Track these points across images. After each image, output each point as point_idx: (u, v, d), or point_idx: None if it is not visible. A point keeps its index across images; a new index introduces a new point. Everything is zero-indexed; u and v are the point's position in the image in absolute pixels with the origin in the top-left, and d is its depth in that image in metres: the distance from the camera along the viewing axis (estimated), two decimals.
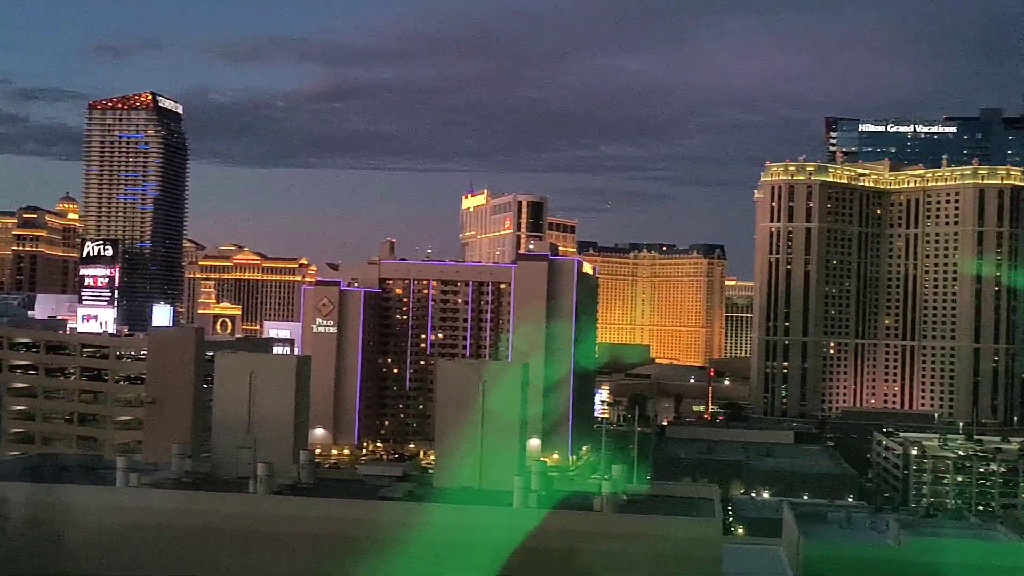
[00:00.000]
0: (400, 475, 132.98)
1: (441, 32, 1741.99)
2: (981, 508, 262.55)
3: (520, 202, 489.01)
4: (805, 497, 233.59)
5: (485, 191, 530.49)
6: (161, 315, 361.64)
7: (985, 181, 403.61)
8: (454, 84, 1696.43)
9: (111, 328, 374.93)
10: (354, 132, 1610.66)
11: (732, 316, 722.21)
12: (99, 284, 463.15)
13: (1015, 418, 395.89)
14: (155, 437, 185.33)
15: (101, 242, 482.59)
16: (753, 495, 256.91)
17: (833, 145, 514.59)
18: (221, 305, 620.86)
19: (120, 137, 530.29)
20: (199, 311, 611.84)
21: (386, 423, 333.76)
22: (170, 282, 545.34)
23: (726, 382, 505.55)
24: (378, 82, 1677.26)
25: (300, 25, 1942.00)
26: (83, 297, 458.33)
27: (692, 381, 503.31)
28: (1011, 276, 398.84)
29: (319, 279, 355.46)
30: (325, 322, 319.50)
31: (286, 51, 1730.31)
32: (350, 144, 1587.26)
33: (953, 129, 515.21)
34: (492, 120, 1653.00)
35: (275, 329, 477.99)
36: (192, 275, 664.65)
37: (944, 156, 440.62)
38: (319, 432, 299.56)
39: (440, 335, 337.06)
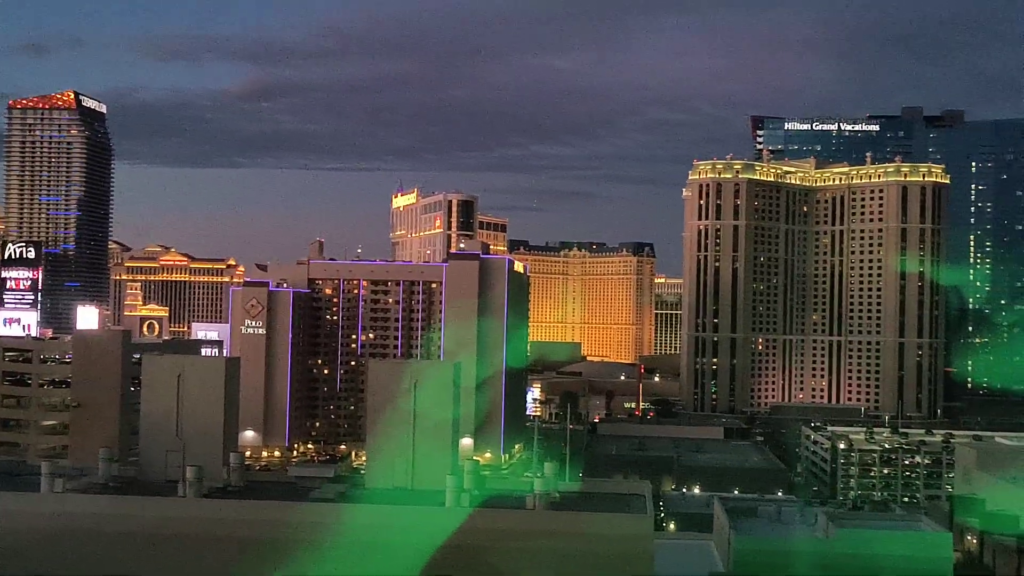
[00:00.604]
0: (332, 476, 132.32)
1: (370, 31, 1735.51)
2: (907, 500, 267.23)
3: (451, 201, 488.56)
4: (735, 492, 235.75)
5: (415, 190, 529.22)
6: (86, 317, 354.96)
7: (908, 178, 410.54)
8: (384, 83, 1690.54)
9: (34, 331, 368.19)
10: (283, 131, 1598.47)
11: (662, 313, 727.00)
12: (21, 287, 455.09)
13: (939, 411, 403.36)
14: (81, 441, 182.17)
15: (23, 244, 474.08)
16: (684, 491, 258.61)
17: (760, 143, 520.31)
18: (148, 307, 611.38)
19: (42, 137, 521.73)
20: (125, 313, 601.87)
21: (317, 424, 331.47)
22: (95, 284, 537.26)
23: (656, 379, 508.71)
24: (307, 81, 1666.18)
25: (227, 23, 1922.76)
26: (4, 300, 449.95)
27: (623, 378, 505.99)
28: (934, 271, 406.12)
29: (247, 280, 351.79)
30: (254, 323, 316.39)
31: (213, 50, 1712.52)
32: (279, 143, 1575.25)
33: (876, 127, 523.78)
34: (422, 119, 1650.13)
35: (203, 331, 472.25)
36: (118, 277, 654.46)
37: (868, 154, 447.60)
38: (249, 434, 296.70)
39: (371, 335, 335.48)
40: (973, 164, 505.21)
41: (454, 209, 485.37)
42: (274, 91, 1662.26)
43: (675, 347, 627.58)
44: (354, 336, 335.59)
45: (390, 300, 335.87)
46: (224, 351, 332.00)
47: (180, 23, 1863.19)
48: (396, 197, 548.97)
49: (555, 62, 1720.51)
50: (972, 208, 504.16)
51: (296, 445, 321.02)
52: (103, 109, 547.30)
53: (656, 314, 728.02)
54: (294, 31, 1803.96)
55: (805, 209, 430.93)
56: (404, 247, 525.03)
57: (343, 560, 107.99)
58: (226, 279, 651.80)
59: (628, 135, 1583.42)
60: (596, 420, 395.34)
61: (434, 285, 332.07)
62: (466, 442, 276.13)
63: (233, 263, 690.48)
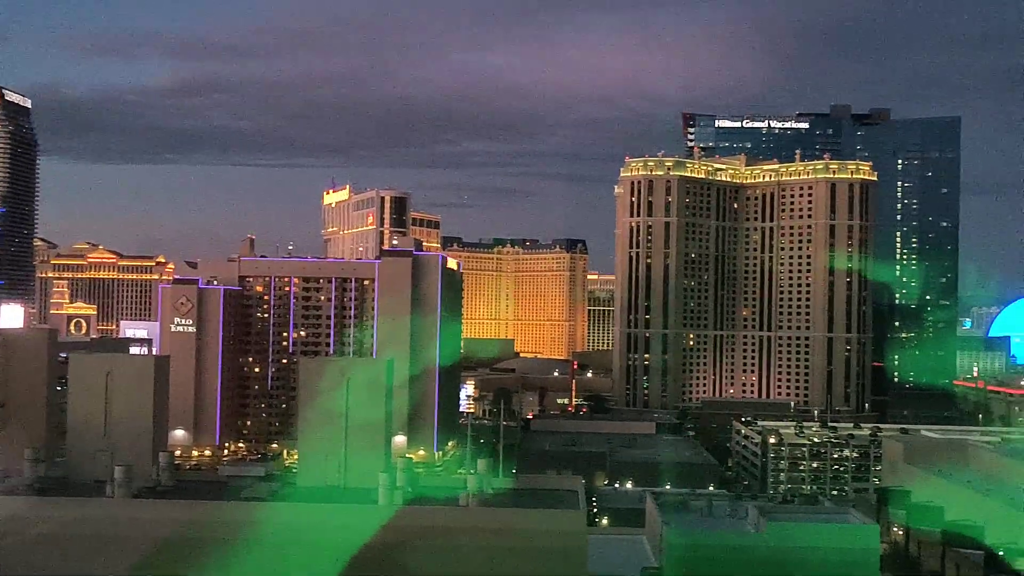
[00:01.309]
0: (263, 475, 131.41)
1: (302, 27, 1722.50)
2: (835, 493, 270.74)
3: (383, 198, 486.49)
4: (667, 487, 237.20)
5: (347, 187, 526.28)
6: (11, 316, 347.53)
7: (836, 176, 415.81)
8: (315, 79, 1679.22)
9: None
10: (213, 128, 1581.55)
11: (594, 310, 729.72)
12: None
13: (867, 405, 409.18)
14: (6, 443, 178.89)
15: None
16: (616, 486, 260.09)
17: (690, 141, 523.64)
18: (75, 305, 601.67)
19: None
20: (52, 311, 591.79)
21: (248, 423, 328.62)
22: (20, 282, 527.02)
23: (589, 375, 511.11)
24: (237, 77, 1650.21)
25: (157, 19, 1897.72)
26: None
27: (556, 374, 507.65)
28: (862, 267, 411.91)
29: (177, 277, 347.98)
30: (184, 321, 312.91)
31: (141, 45, 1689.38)
32: (209, 140, 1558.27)
33: (805, 125, 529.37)
34: (354, 116, 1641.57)
35: (132, 329, 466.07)
36: (44, 274, 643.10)
37: (797, 151, 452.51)
38: (179, 433, 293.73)
39: (302, 333, 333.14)
40: (900, 162, 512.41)
41: (387, 206, 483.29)
42: (204, 87, 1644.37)
43: (608, 343, 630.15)
44: (285, 334, 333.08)
45: (322, 297, 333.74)
46: (153, 350, 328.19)
47: (108, 19, 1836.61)
48: (328, 194, 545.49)
49: (488, 59, 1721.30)
50: (899, 205, 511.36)
51: (227, 444, 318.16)
52: (28, 104, 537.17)
53: (589, 310, 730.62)
54: (225, 27, 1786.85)
55: (735, 206, 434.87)
56: (336, 244, 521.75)
57: (275, 558, 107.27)
58: (155, 277, 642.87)
59: (561, 132, 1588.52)
60: (529, 416, 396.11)
61: (366, 282, 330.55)
62: (399, 440, 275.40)
63: (162, 260, 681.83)
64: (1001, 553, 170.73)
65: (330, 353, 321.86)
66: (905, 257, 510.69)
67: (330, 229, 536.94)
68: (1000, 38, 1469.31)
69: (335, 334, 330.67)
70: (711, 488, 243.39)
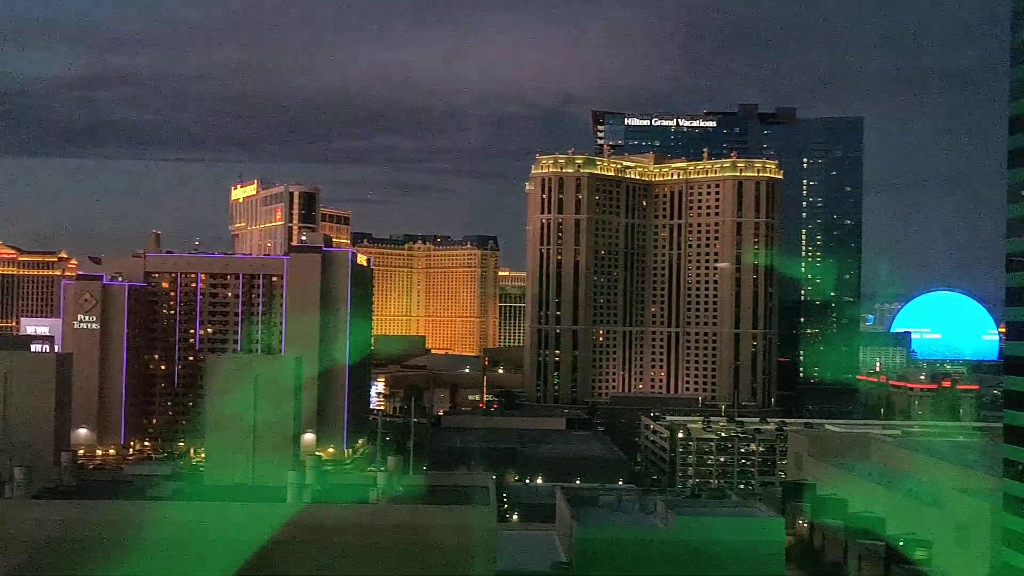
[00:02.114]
0: (169, 474, 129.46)
1: (209, 19, 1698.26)
2: (742, 487, 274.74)
3: (292, 193, 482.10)
4: (578, 482, 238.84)
5: (255, 182, 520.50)
6: None
7: (743, 174, 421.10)
8: (223, 72, 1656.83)
9: None
10: (117, 121, 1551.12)
11: (506, 306, 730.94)
12: None
13: (772, 400, 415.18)
14: None
15: None
16: (527, 482, 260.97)
17: (600, 138, 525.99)
18: None
19: None
20: None
21: (154, 421, 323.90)
22: None
23: (500, 371, 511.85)
24: (142, 70, 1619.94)
25: (56, 9, 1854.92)
26: None
27: (467, 371, 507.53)
28: (768, 264, 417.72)
29: (80, 273, 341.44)
30: (87, 318, 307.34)
31: (40, 35, 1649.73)
32: (113, 133, 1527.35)
33: (713, 123, 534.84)
34: (262, 110, 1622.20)
35: (33, 326, 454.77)
36: None
37: (705, 149, 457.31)
38: (82, 432, 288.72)
39: (209, 329, 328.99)
40: (805, 160, 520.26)
41: (295, 201, 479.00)
42: (107, 80, 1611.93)
43: (519, 339, 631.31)
44: (192, 331, 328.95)
45: (229, 294, 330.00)
46: (56, 347, 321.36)
47: (4, 6, 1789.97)
48: (235, 189, 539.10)
49: (399, 54, 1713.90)
50: (804, 203, 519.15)
51: (132, 443, 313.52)
52: None
53: (500, 307, 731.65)
54: (129, 18, 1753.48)
55: (644, 203, 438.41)
56: (244, 240, 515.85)
57: (181, 558, 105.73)
58: (57, 272, 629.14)
59: (472, 128, 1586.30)
60: (440, 413, 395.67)
61: (275, 278, 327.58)
62: (308, 437, 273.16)
63: (65, 256, 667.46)
64: (901, 544, 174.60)
65: (237, 350, 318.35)
66: (810, 254, 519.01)
67: (238, 225, 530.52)
68: (899, 39, 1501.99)
69: (242, 331, 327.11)
70: (620, 483, 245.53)
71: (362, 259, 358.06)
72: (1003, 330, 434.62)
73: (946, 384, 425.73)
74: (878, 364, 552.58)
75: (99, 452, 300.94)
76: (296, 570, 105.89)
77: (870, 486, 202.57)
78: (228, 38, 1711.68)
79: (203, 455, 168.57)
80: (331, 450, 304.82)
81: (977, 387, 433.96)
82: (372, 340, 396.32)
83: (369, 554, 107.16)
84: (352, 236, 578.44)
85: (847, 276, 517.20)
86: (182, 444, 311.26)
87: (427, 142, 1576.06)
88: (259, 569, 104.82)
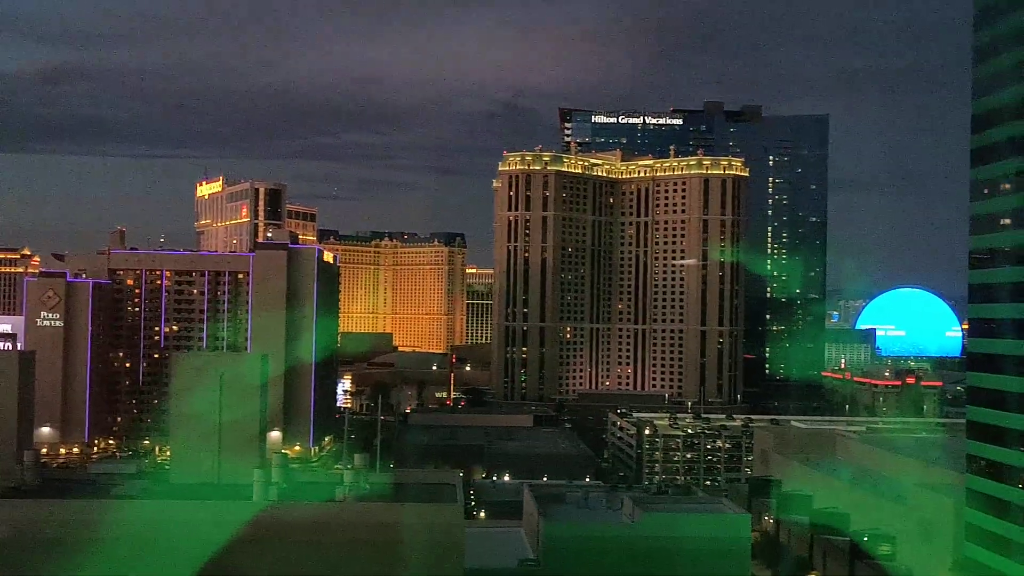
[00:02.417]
0: (134, 472, 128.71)
1: (174, 14, 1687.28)
2: (708, 483, 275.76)
3: (257, 189, 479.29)
4: (545, 479, 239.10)
5: (221, 178, 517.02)
6: None
7: (709, 171, 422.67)
8: (189, 68, 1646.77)
9: None
10: (81, 116, 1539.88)
11: (473, 303, 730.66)
12: None
13: (738, 397, 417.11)
14: None
15: None
16: (494, 479, 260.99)
17: (568, 136, 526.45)
18: None
19: None
20: None
21: (119, 419, 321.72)
22: None
23: (468, 368, 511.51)
24: (107, 65, 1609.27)
25: (19, 3, 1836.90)
26: None
27: (434, 368, 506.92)
28: (734, 261, 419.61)
29: (43, 270, 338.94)
30: (50, 316, 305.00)
31: (3, 30, 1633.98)
32: (77, 129, 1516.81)
33: (679, 121, 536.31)
34: (229, 106, 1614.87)
35: None
36: None
37: (671, 147, 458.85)
38: (45, 431, 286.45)
39: (175, 327, 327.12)
40: (770, 158, 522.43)
41: (261, 198, 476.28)
42: (71, 75, 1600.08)
43: (486, 336, 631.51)
44: (157, 328, 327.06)
45: (195, 291, 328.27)
46: (18, 345, 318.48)
47: None
48: (201, 185, 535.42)
49: (366, 51, 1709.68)
50: (770, 200, 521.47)
51: (97, 441, 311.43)
52: None
53: (467, 304, 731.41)
54: (93, 13, 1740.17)
55: (611, 201, 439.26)
56: (209, 236, 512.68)
57: (147, 557, 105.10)
58: (20, 270, 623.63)
59: (441, 125, 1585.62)
60: (407, 411, 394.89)
61: (240, 275, 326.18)
62: (274, 435, 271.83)
63: (28, 253, 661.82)
64: (865, 539, 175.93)
65: (203, 348, 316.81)
66: (776, 251, 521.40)
67: (203, 221, 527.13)
68: (865, 38, 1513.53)
69: (208, 328, 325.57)
70: (587, 479, 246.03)
71: (328, 256, 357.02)
72: (966, 327, 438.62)
73: (910, 381, 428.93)
74: (843, 361, 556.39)
75: (63, 451, 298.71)
76: (263, 568, 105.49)
77: (835, 482, 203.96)
78: (194, 33, 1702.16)
79: (168, 453, 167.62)
80: (297, 448, 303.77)
81: (941, 383, 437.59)
82: (339, 337, 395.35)
83: (336, 552, 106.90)
84: (318, 233, 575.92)
85: (812, 273, 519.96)
86: (147, 442, 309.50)
87: (394, 139, 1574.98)
88: (225, 567, 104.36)
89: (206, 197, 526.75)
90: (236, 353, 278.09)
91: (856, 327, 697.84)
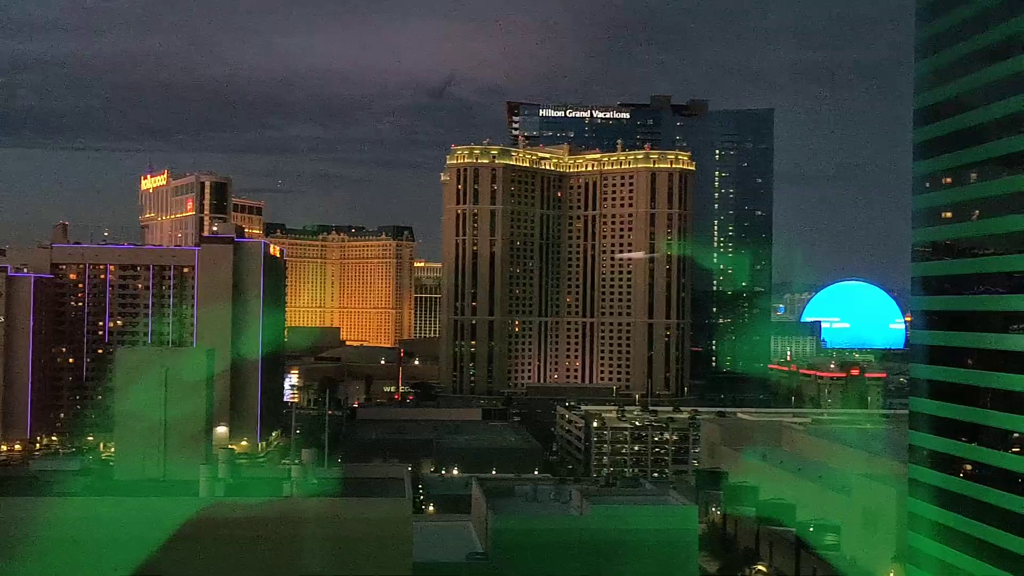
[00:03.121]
0: (78, 469, 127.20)
1: (118, 6, 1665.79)
2: (656, 475, 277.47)
3: (203, 183, 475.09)
4: (493, 472, 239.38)
5: (166, 172, 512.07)
6: None
7: (656, 165, 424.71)
8: (132, 60, 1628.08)
9: None
10: (21, 108, 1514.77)
11: (421, 297, 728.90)
12: None
13: (686, 389, 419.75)
14: None
15: None
16: (443, 473, 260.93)
17: (515, 129, 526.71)
18: None
19: None
20: None
21: (62, 415, 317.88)
22: None
23: (416, 363, 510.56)
24: (48, 56, 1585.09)
25: None
26: None
27: (382, 363, 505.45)
28: (681, 255, 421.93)
29: None
30: None
31: None
32: (17, 121, 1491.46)
33: (627, 115, 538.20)
34: (173, 99, 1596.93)
35: None
36: None
37: (619, 141, 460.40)
38: None
39: (119, 322, 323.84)
40: (717, 152, 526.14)
41: (207, 191, 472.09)
42: (13, 66, 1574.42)
43: (435, 331, 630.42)
44: (101, 323, 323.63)
45: (139, 285, 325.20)
46: None
47: None
48: (145, 179, 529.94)
49: (313, 43, 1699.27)
50: (716, 194, 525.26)
51: (39, 437, 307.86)
52: None
53: (416, 298, 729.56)
54: (34, 4, 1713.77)
55: (559, 194, 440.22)
56: (154, 230, 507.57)
57: (90, 554, 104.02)
58: None
59: (388, 118, 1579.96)
60: (356, 405, 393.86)
61: (186, 270, 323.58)
62: (220, 430, 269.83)
63: None
64: (811, 529, 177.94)
65: (148, 343, 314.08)
66: (722, 245, 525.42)
67: (148, 215, 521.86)
68: (809, 33, 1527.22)
69: (153, 323, 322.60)
70: (536, 473, 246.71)
71: (275, 250, 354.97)
72: (909, 319, 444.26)
73: (855, 372, 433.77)
74: (789, 353, 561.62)
75: (4, 447, 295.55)
76: (210, 565, 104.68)
77: (781, 473, 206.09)
78: (139, 25, 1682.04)
79: (112, 450, 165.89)
80: (244, 443, 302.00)
81: (885, 375, 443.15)
82: (285, 332, 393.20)
83: (284, 547, 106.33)
84: (265, 227, 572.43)
85: (758, 266, 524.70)
86: (91, 438, 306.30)
87: (342, 132, 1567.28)
88: (171, 564, 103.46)
89: (151, 191, 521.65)
90: (181, 348, 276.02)
91: (802, 320, 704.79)
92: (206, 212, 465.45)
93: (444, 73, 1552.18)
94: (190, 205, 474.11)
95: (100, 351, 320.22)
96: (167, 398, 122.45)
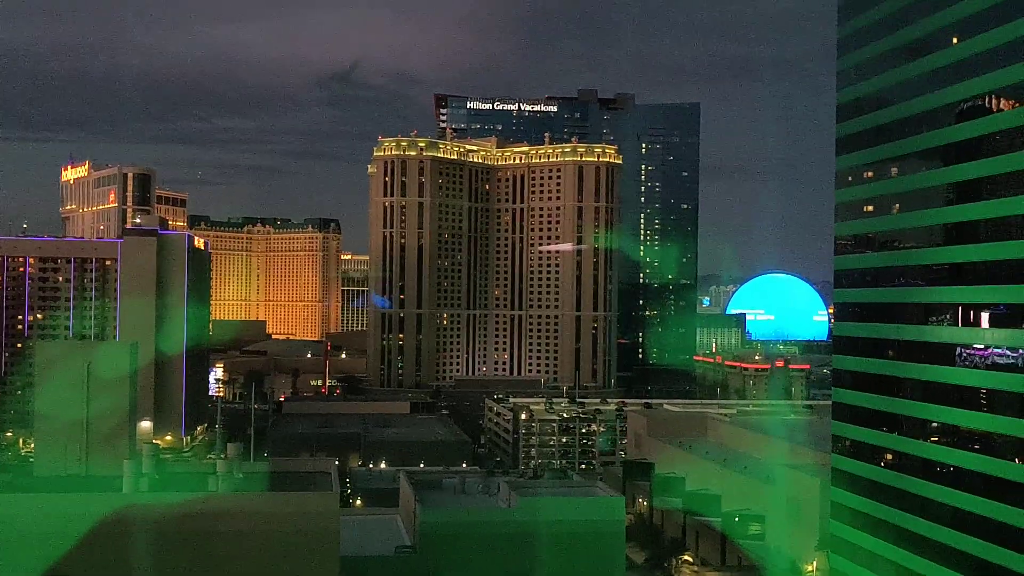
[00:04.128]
0: None
1: None
2: (584, 466, 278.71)
3: (125, 174, 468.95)
4: (422, 465, 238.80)
5: (87, 163, 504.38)
6: None
7: (583, 159, 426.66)
8: (53, 49, 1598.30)
9: None
10: None
11: (349, 290, 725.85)
12: None
13: (613, 381, 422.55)
14: None
15: None
16: (371, 466, 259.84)
17: (443, 122, 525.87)
18: None
19: None
20: None
21: None
22: None
23: (343, 356, 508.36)
24: None
25: None
26: None
27: (309, 356, 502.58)
28: (608, 248, 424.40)
29: None
30: None
31: None
32: None
33: (554, 108, 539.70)
34: (95, 89, 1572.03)
35: None
36: None
37: (546, 134, 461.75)
38: None
39: (39, 316, 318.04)
40: (643, 145, 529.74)
41: (129, 183, 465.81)
42: None
43: (362, 324, 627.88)
44: (20, 316, 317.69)
45: (60, 278, 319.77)
46: None
47: None
48: (66, 170, 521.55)
49: (236, 33, 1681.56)
50: (642, 187, 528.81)
51: None
52: None
53: (343, 291, 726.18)
54: None
55: (487, 187, 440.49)
56: (75, 222, 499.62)
57: (11, 553, 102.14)
58: None
59: (314, 110, 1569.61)
60: (282, 399, 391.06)
61: (108, 262, 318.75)
62: (144, 425, 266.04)
63: None
64: (736, 519, 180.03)
65: (69, 337, 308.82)
66: (649, 238, 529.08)
67: (69, 207, 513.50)
68: (734, 28, 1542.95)
69: (74, 317, 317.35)
70: (464, 466, 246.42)
71: (199, 242, 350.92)
72: (832, 311, 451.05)
73: (779, 364, 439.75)
74: (714, 345, 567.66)
75: None
76: (134, 561, 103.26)
77: (707, 464, 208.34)
78: (56, 11, 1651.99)
79: (32, 446, 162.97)
80: (169, 438, 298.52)
81: (808, 367, 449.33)
82: (210, 325, 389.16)
83: (209, 543, 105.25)
84: (189, 219, 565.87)
85: (684, 259, 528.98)
86: (9, 434, 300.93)
87: (267, 123, 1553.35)
88: (93, 561, 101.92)
89: (72, 182, 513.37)
90: (103, 342, 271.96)
91: (727, 312, 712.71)
92: (129, 204, 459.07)
93: (372, 64, 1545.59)
94: (113, 197, 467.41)
95: (19, 345, 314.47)
96: (88, 393, 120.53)
